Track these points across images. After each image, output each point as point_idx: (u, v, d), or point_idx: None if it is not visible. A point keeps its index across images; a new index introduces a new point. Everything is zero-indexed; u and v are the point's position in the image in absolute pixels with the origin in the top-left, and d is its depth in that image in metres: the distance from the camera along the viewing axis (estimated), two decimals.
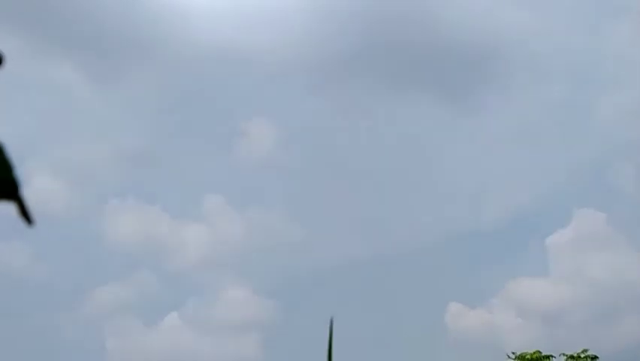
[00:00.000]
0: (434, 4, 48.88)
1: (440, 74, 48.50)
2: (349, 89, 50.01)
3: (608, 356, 29.27)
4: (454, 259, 46.51)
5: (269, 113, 49.23)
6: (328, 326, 3.63)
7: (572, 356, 26.70)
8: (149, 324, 44.46)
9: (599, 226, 42.59)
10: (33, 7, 42.15)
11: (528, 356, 26.48)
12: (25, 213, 1.28)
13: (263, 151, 48.08)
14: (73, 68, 48.00)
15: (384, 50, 48.07)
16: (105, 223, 48.33)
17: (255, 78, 49.45)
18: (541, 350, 26.90)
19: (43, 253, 44.51)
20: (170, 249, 47.43)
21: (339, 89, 49.76)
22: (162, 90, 49.92)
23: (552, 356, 27.03)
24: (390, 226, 49.09)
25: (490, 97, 50.30)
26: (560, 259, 42.42)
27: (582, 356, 26.51)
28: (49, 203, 42.89)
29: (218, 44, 49.07)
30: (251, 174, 49.92)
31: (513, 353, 27.11)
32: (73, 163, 48.40)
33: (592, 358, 26.58)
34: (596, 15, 49.59)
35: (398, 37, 46.98)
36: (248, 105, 49.66)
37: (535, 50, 49.16)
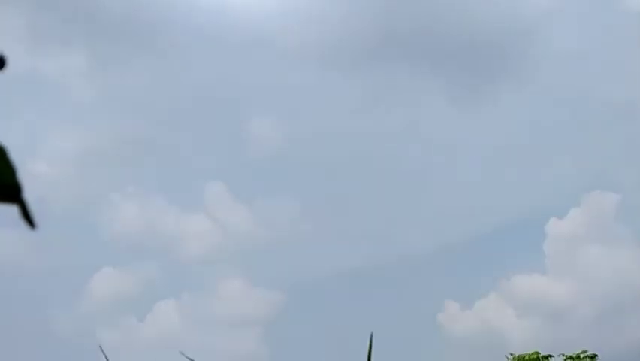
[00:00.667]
0: None
1: (456, 67, 48.26)
2: (358, 87, 50.04)
3: (611, 356, 29.22)
4: (453, 260, 46.49)
5: (274, 109, 49.13)
6: (368, 339, 3.52)
7: (570, 357, 26.66)
8: (146, 318, 44.34)
9: (600, 223, 42.69)
10: None
11: (527, 358, 26.37)
12: (27, 216, 1.25)
13: (271, 145, 47.80)
14: (72, 56, 47.82)
15: (392, 43, 48.00)
16: (104, 214, 48.40)
17: (262, 70, 49.14)
18: (540, 350, 26.86)
19: (40, 244, 44.36)
20: (172, 240, 47.33)
21: (350, 83, 49.73)
22: (163, 79, 49.82)
23: (551, 357, 26.98)
24: (392, 225, 49.10)
25: (492, 93, 50.19)
26: (559, 255, 42.48)
27: (582, 356, 26.48)
28: (46, 193, 42.93)
29: (224, 32, 48.75)
30: (258, 166, 49.55)
31: (511, 354, 27.06)
32: (72, 153, 48.42)
33: (591, 357, 26.57)
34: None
35: (409, 27, 46.80)
36: (254, 98, 49.39)
37: (553, 46, 48.74)
